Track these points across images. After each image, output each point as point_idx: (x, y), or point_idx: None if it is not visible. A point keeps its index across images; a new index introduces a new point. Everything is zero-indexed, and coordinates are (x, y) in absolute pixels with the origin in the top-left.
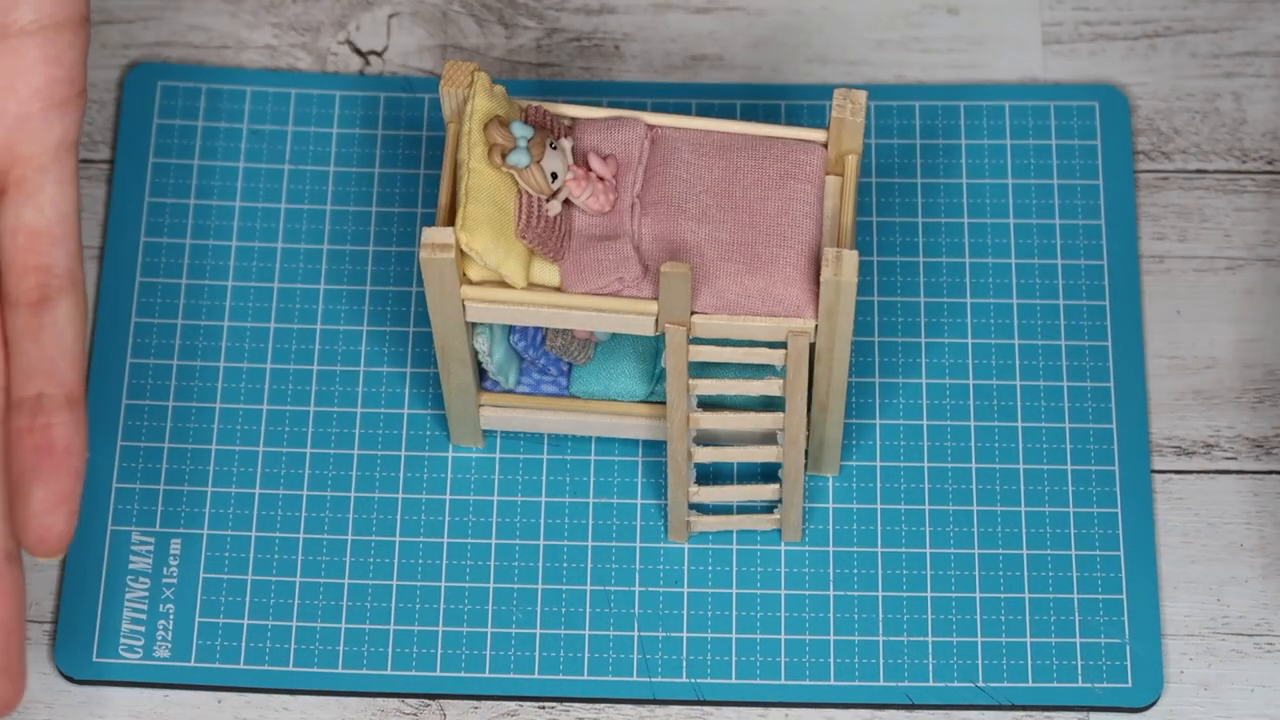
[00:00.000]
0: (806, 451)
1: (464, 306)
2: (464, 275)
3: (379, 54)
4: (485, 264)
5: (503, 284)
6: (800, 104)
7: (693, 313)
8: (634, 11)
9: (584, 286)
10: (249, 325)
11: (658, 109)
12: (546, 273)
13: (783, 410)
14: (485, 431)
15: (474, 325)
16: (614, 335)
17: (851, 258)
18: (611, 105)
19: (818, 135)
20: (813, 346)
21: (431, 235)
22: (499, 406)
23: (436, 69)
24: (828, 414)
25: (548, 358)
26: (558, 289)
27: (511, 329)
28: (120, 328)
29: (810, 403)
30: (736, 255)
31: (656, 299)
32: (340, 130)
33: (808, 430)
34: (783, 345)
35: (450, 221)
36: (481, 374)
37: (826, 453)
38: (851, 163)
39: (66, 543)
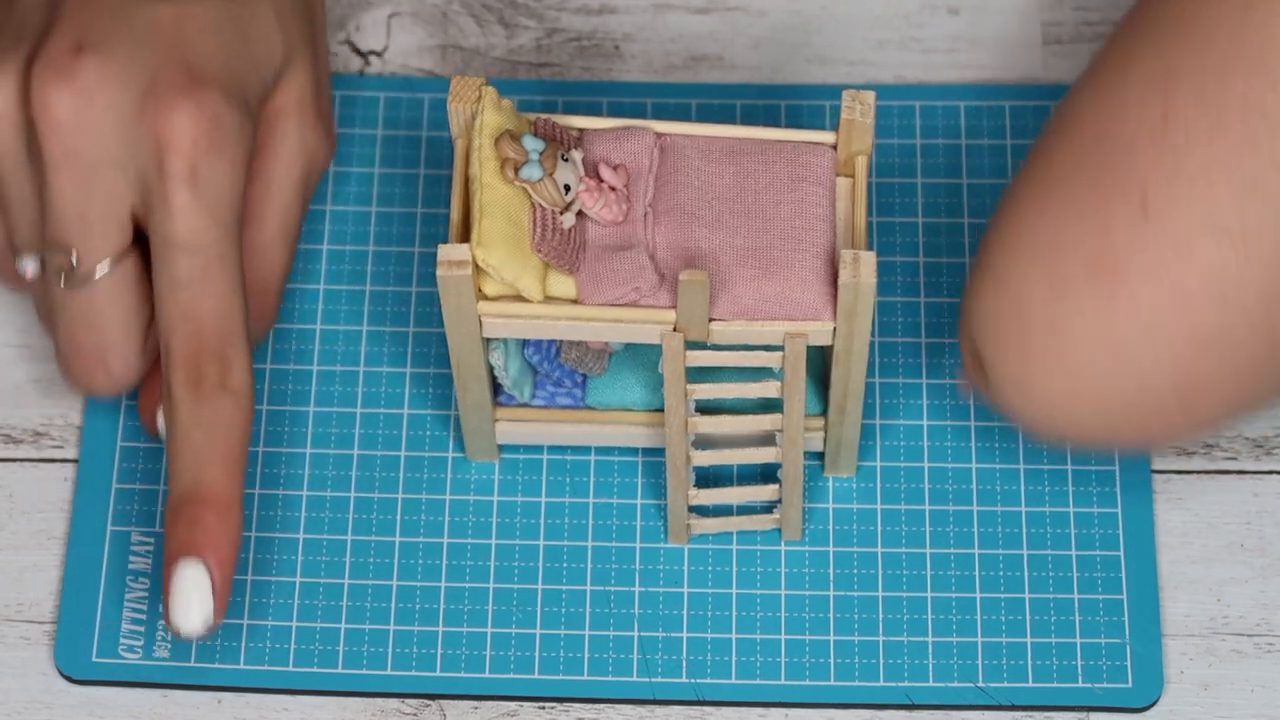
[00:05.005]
0: (823, 453)
1: (481, 322)
2: (479, 291)
3: (379, 54)
4: (502, 279)
5: (519, 298)
6: (800, 104)
7: (711, 319)
8: (634, 11)
9: (601, 297)
10: None
11: (658, 109)
12: (562, 285)
13: (780, 411)
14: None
15: (488, 340)
16: (628, 345)
17: (869, 259)
18: (611, 106)
19: (826, 137)
20: (823, 349)
21: (448, 252)
22: (515, 421)
23: (436, 69)
24: (845, 416)
25: (562, 370)
26: (574, 301)
27: (526, 342)
28: None
29: (827, 405)
30: (752, 260)
31: (674, 307)
32: (340, 130)
33: (825, 431)
34: (779, 348)
35: (463, 238)
36: (496, 388)
37: (844, 454)
38: (861, 164)
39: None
